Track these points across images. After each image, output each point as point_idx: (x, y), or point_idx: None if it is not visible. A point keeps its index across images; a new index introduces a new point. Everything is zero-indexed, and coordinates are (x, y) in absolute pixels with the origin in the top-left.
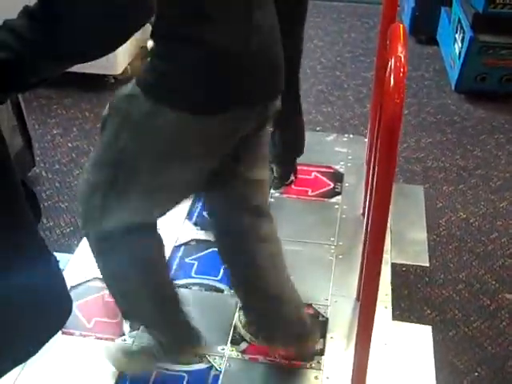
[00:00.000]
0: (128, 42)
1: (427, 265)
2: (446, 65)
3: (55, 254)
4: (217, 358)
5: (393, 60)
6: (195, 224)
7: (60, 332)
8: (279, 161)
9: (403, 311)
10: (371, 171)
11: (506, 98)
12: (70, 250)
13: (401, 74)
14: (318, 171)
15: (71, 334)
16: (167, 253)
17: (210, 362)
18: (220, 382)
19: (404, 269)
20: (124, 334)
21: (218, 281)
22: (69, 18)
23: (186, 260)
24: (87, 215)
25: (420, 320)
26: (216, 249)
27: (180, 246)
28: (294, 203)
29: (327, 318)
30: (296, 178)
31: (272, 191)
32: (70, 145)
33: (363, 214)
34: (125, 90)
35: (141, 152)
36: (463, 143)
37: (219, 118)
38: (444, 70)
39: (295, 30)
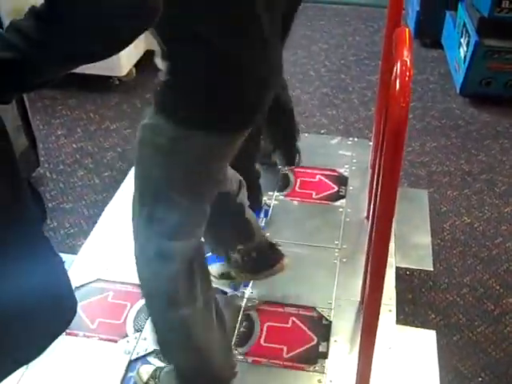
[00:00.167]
0: (132, 44)
1: (431, 269)
2: (451, 69)
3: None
4: None
5: (399, 64)
6: None
7: (64, 333)
8: (280, 147)
9: (407, 315)
10: (376, 175)
11: (511, 103)
12: (73, 250)
13: (406, 78)
14: (322, 174)
15: (75, 335)
16: None
17: None
18: None
19: (408, 273)
20: (127, 336)
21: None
22: (75, 18)
23: None
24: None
25: (424, 324)
26: None
27: None
28: (298, 206)
29: (331, 322)
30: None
31: (276, 194)
32: (74, 146)
33: (367, 218)
34: (147, 121)
35: (178, 176)
36: (468, 147)
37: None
38: (449, 73)
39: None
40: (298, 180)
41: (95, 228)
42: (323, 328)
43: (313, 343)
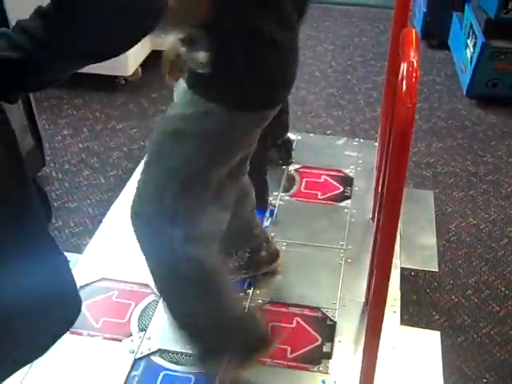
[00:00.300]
0: (139, 44)
1: (436, 270)
2: (458, 70)
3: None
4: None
5: (405, 65)
6: None
7: (68, 331)
8: (276, 144)
9: (412, 316)
10: (381, 175)
11: None
12: (78, 250)
13: (413, 79)
14: (327, 175)
15: (79, 334)
16: None
17: None
18: None
19: (413, 274)
20: (131, 335)
21: None
22: (81, 18)
23: None
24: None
25: (428, 325)
26: None
27: None
28: (303, 206)
29: (335, 322)
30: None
31: (282, 194)
32: (80, 145)
33: (372, 219)
34: (183, 110)
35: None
36: (474, 149)
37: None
38: (455, 74)
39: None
40: (304, 180)
41: (100, 227)
42: (327, 328)
43: (317, 343)
